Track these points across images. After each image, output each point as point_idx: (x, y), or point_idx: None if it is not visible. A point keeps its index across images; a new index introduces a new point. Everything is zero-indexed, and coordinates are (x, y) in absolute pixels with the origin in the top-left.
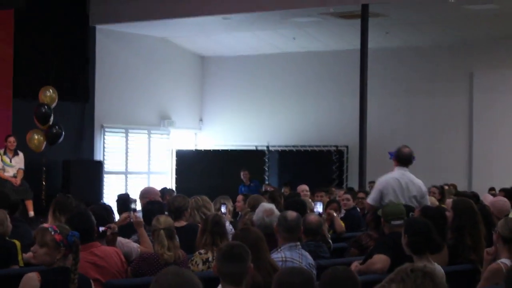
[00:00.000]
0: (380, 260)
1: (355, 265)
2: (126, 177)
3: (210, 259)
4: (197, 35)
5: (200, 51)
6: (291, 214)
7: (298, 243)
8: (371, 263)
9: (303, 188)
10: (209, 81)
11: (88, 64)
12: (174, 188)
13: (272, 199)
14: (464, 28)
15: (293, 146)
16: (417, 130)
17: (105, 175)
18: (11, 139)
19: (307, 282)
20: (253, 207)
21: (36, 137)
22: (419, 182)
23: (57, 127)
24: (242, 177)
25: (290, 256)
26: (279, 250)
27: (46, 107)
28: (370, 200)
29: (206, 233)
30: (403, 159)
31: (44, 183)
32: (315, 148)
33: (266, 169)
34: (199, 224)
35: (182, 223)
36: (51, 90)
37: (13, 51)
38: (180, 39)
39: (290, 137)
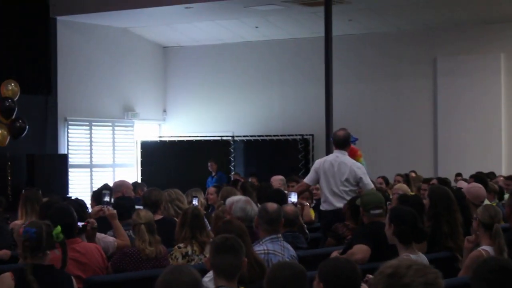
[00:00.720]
0: (360, 250)
1: (335, 255)
2: (91, 170)
3: (190, 252)
4: (159, 25)
5: (162, 41)
6: (272, 206)
7: (280, 235)
8: (351, 253)
9: (278, 178)
10: (172, 71)
11: (50, 56)
12: (139, 181)
13: (244, 190)
14: (427, 14)
15: (258, 136)
16: (383, 117)
17: (70, 169)
18: None
19: (298, 275)
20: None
21: None
22: (354, 165)
23: (20, 120)
24: (209, 168)
25: (272, 248)
26: (260, 242)
27: (9, 100)
28: (306, 179)
29: (185, 226)
30: (338, 142)
31: (9, 178)
32: (281, 137)
33: (232, 159)
34: (174, 217)
35: (158, 216)
36: (13, 84)
37: None
38: (141, 29)
39: (255, 126)
